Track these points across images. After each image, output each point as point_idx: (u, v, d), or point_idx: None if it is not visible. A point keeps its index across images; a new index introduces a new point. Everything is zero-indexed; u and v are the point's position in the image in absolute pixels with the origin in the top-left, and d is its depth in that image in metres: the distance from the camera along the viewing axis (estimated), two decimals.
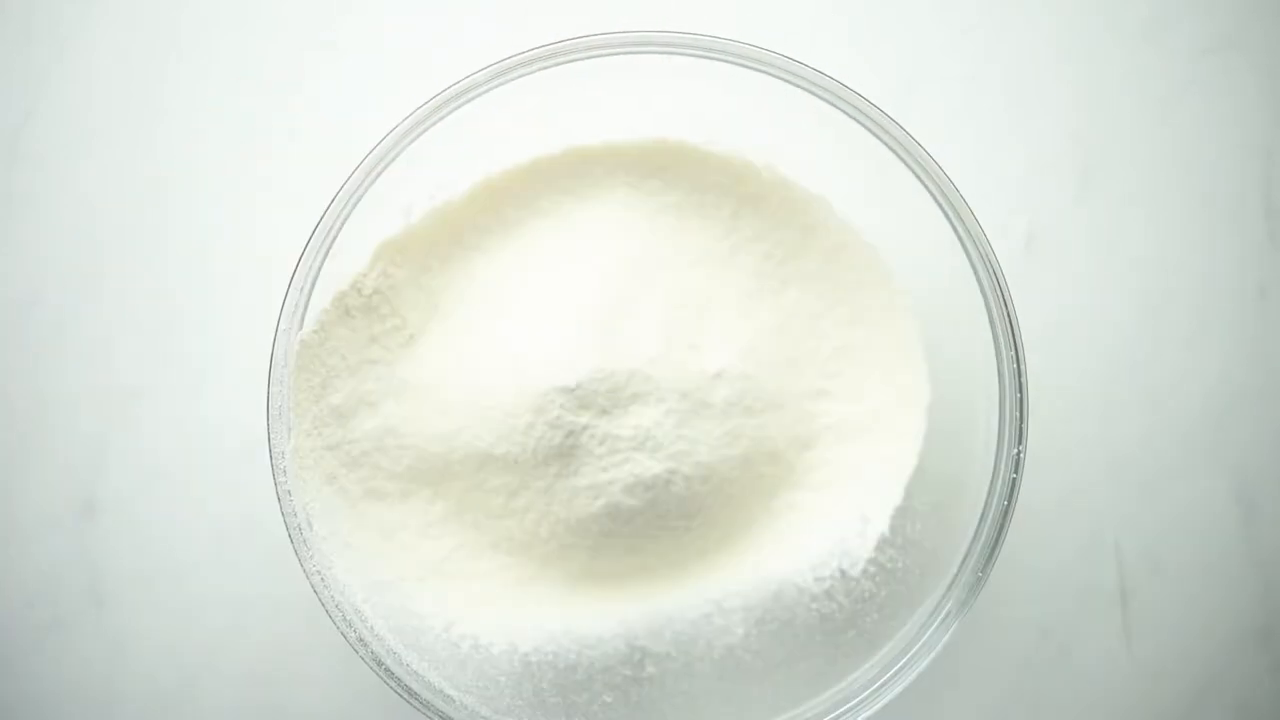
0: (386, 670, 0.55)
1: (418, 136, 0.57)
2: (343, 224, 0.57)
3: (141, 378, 0.65)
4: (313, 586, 0.56)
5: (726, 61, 0.57)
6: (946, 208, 0.57)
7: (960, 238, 0.57)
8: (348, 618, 0.56)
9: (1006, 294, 0.57)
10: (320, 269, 0.56)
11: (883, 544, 0.58)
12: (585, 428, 0.56)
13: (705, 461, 0.57)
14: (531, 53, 0.57)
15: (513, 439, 0.57)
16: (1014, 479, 0.56)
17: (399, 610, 0.57)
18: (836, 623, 0.59)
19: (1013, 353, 0.56)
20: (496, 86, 0.57)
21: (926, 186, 0.57)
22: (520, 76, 0.57)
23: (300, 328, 0.56)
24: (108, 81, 0.66)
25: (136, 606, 0.64)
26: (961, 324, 0.58)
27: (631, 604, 0.58)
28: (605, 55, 0.57)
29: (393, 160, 0.57)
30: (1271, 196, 0.67)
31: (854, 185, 0.59)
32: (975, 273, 0.57)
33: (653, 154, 0.60)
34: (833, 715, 0.57)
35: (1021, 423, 0.56)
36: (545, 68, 0.57)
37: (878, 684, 0.57)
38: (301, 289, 0.56)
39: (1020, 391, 0.56)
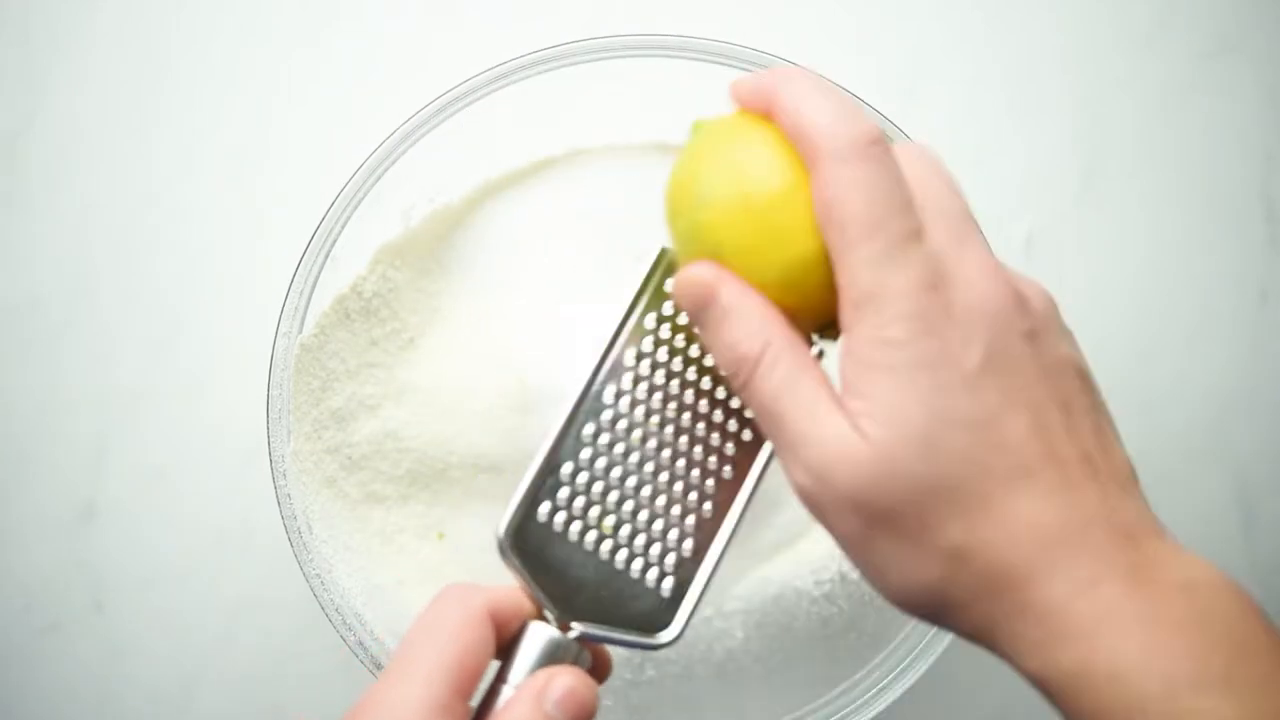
0: None
1: (418, 140, 0.57)
2: (343, 227, 0.56)
3: (141, 380, 0.65)
4: (312, 589, 0.56)
5: (727, 65, 0.57)
6: None
7: None
8: (347, 621, 0.55)
9: None
10: (320, 272, 0.56)
11: None
12: None
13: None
14: (532, 56, 0.57)
15: (511, 443, 0.57)
16: None
17: (398, 613, 0.57)
18: (836, 626, 0.59)
19: None
20: (497, 89, 0.57)
21: None
22: (521, 79, 0.57)
23: (300, 331, 0.56)
24: (106, 85, 0.66)
25: (136, 609, 0.64)
26: None
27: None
28: (605, 59, 0.57)
29: (392, 163, 0.56)
30: (1272, 199, 0.67)
31: None
32: None
33: (653, 157, 0.60)
34: (833, 719, 0.57)
35: None
36: (545, 71, 0.57)
37: (878, 687, 0.57)
38: (301, 292, 0.56)
39: None
